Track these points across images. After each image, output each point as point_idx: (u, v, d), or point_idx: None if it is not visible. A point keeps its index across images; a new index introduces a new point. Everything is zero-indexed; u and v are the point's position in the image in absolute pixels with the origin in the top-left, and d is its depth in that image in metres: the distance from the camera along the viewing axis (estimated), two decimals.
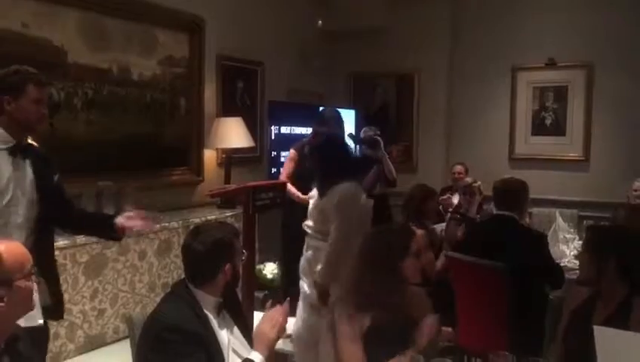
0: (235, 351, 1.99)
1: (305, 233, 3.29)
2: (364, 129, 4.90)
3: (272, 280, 4.66)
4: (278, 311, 1.93)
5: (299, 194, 3.92)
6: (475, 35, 6.37)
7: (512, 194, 3.37)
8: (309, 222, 3.26)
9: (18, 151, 2.29)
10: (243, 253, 2.07)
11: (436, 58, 6.48)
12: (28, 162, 2.33)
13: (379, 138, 4.54)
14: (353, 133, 5.06)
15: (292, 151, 4.27)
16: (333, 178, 3.13)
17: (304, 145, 4.08)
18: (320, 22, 6.17)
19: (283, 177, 4.19)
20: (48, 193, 2.39)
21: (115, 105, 4.31)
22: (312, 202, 3.29)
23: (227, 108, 5.36)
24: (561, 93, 6.08)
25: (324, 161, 3.24)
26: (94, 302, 3.70)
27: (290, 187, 3.92)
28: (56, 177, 2.45)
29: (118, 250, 3.83)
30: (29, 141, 2.40)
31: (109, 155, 4.24)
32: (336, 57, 6.67)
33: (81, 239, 3.51)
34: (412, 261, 2.24)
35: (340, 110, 5.93)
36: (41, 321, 2.28)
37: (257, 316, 2.22)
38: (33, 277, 1.57)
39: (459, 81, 6.51)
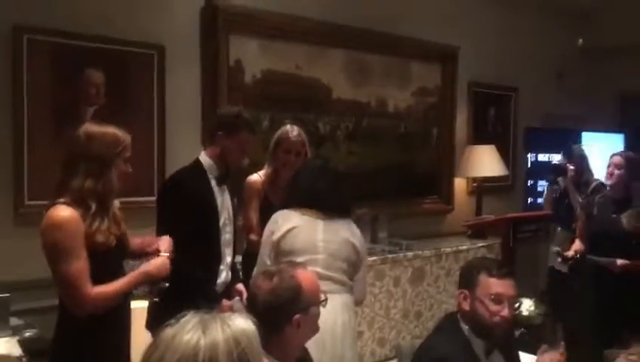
0: None
1: None
2: (574, 146, 4.36)
3: (528, 317, 4.36)
4: (555, 356, 1.79)
5: None
6: None
7: None
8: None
9: (223, 180, 2.56)
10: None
11: None
12: (226, 189, 2.60)
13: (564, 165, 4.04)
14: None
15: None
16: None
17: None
18: (580, 40, 5.71)
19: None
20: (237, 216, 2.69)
21: (372, 136, 4.54)
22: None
23: (478, 136, 5.26)
24: None
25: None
26: None
27: None
28: (235, 201, 2.71)
29: (375, 275, 3.97)
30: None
31: (365, 184, 4.46)
32: (599, 77, 6.07)
33: None
34: None
35: (605, 134, 5.47)
36: None
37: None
38: (323, 303, 1.70)
39: None
